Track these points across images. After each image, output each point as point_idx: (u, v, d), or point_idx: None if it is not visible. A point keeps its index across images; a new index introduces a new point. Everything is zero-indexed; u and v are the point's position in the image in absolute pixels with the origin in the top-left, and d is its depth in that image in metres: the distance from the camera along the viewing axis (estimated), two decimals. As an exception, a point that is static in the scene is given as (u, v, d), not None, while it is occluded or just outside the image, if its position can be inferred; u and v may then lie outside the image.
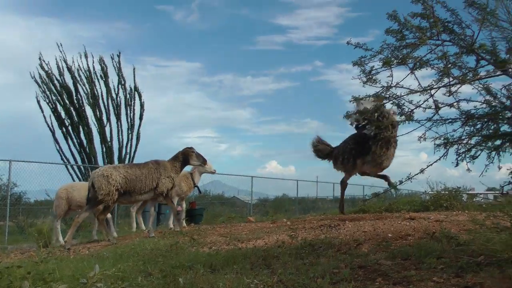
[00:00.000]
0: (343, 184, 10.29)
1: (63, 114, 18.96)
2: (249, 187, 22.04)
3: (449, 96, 4.92)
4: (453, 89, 4.88)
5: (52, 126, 18.90)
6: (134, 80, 20.27)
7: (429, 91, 4.97)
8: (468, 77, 4.77)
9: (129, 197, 9.54)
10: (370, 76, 5.21)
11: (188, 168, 11.62)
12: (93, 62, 19.62)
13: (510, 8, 4.53)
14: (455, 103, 5.17)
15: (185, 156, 10.27)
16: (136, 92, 20.16)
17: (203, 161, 10.75)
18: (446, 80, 4.89)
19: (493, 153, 4.93)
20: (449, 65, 4.84)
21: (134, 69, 20.41)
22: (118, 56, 20.09)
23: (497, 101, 5.07)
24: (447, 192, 11.16)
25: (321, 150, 10.31)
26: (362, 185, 28.96)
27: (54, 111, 18.92)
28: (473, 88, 5.07)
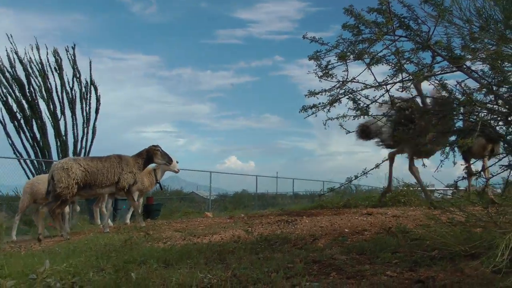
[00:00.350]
0: (391, 157, 9.20)
1: (14, 107, 18.39)
2: (208, 182, 21.88)
3: (402, 91, 4.94)
4: (406, 84, 4.89)
5: (3, 119, 18.33)
6: (90, 73, 19.87)
7: (384, 86, 4.98)
8: (422, 73, 4.78)
9: (90, 190, 9.38)
10: (327, 71, 5.18)
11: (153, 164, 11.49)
12: (47, 54, 19.12)
13: (462, 5, 4.54)
14: (411, 99, 5.19)
15: (150, 154, 10.17)
16: (92, 86, 19.76)
17: (168, 160, 10.65)
18: (401, 75, 4.90)
19: (447, 148, 4.95)
20: (404, 61, 4.85)
21: (90, 62, 19.98)
22: (73, 48, 19.66)
23: (452, 97, 5.11)
24: (405, 188, 11.27)
25: (369, 127, 9.64)
26: (321, 180, 29.21)
27: (5, 104, 18.30)
28: (429, 84, 5.10)
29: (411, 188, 11.21)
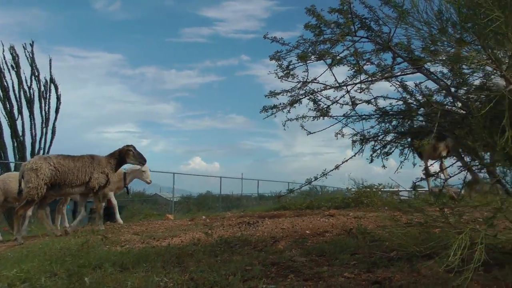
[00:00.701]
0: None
1: (-32, 106, 17.77)
2: (172, 184, 21.61)
3: (360, 92, 4.93)
4: (364, 85, 4.89)
5: (-43, 118, 17.68)
6: (50, 71, 19.30)
7: (345, 87, 4.96)
8: (381, 74, 4.79)
9: (59, 190, 9.15)
10: (288, 71, 5.14)
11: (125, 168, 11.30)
12: (3, 51, 18.40)
13: (420, 8, 4.55)
14: (372, 100, 5.19)
15: (122, 154, 9.93)
16: (52, 84, 19.23)
17: (142, 161, 10.36)
18: (361, 76, 4.89)
19: (407, 150, 4.98)
20: (363, 62, 4.84)
21: (50, 59, 19.47)
22: (31, 45, 19.01)
23: (413, 99, 5.13)
24: (368, 189, 11.30)
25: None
26: (286, 182, 29.28)
27: (-41, 102, 17.69)
28: (391, 85, 5.11)
29: (374, 189, 11.29)
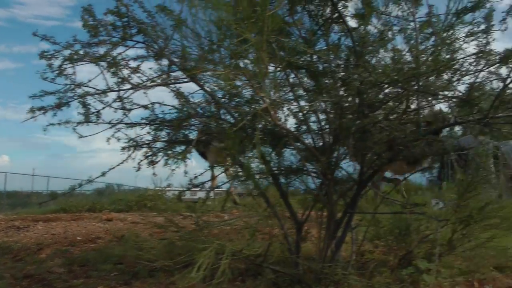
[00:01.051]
0: None
1: None
2: None
3: (119, 101, 4.84)
4: (126, 94, 4.82)
5: None
6: None
7: (117, 92, 4.83)
8: (153, 81, 4.77)
9: None
10: (60, 71, 4.85)
11: None
12: None
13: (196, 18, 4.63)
14: (149, 105, 5.12)
15: None
16: None
17: None
18: (127, 84, 4.80)
19: (171, 159, 4.98)
20: (133, 69, 4.76)
21: None
22: None
23: (190, 107, 5.17)
24: (152, 191, 11.01)
25: None
26: (80, 179, 27.93)
27: None
28: (169, 92, 5.09)
29: (159, 192, 11.14)
